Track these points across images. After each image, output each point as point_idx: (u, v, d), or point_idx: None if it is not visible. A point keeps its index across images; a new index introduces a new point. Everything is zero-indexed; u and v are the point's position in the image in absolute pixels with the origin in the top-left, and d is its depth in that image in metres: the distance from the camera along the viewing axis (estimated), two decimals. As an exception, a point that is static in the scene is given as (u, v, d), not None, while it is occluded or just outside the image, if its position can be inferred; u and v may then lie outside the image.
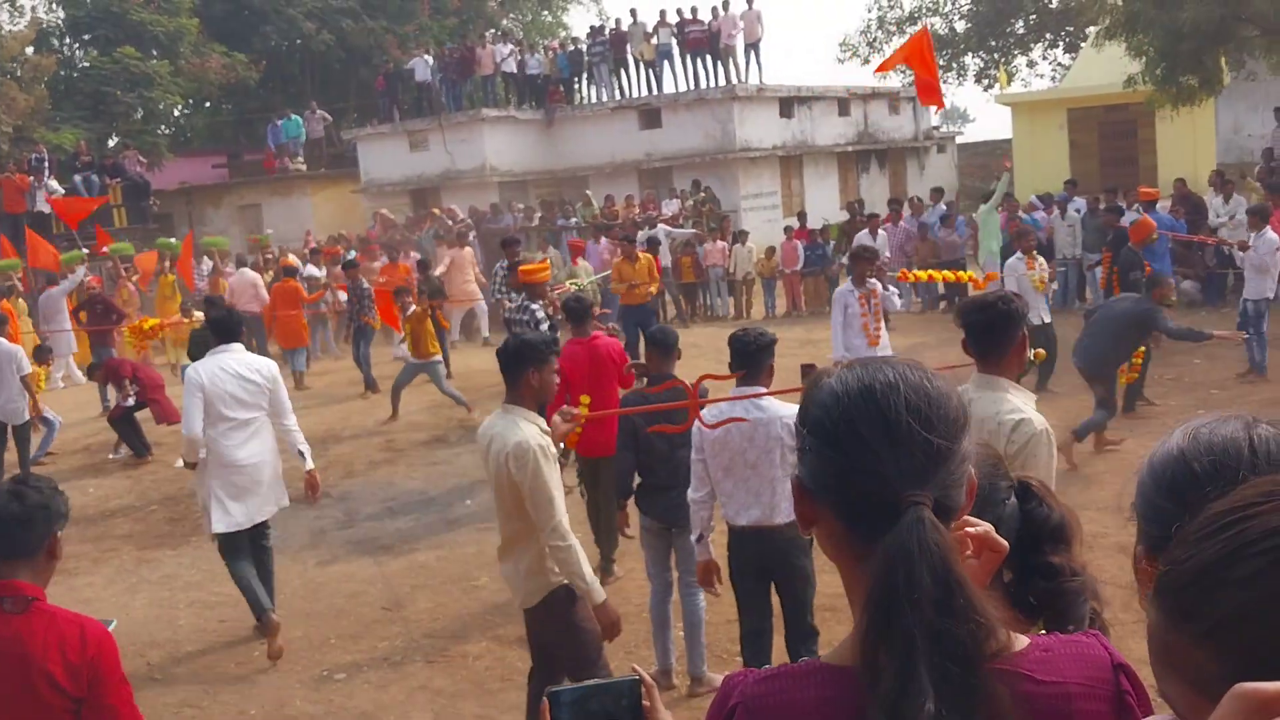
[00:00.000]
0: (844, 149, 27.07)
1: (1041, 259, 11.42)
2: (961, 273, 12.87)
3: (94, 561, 8.54)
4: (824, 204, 25.28)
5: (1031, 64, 39.65)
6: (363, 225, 24.41)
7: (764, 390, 4.87)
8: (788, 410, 4.66)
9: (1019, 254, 11.28)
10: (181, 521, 9.47)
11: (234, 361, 6.48)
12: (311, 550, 8.45)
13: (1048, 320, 11.06)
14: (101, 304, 15.62)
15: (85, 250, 19.46)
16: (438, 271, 17.03)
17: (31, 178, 23.69)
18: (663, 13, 25.33)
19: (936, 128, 32.46)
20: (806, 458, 1.39)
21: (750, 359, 4.84)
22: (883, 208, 21.69)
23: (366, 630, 6.75)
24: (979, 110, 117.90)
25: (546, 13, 41.06)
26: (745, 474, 4.76)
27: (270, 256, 20.12)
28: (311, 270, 18.57)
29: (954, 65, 39.43)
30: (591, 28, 27.53)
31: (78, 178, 25.11)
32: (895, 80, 34.17)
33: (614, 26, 26.27)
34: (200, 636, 6.91)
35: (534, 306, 8.96)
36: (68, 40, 31.49)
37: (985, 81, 38.96)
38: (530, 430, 4.32)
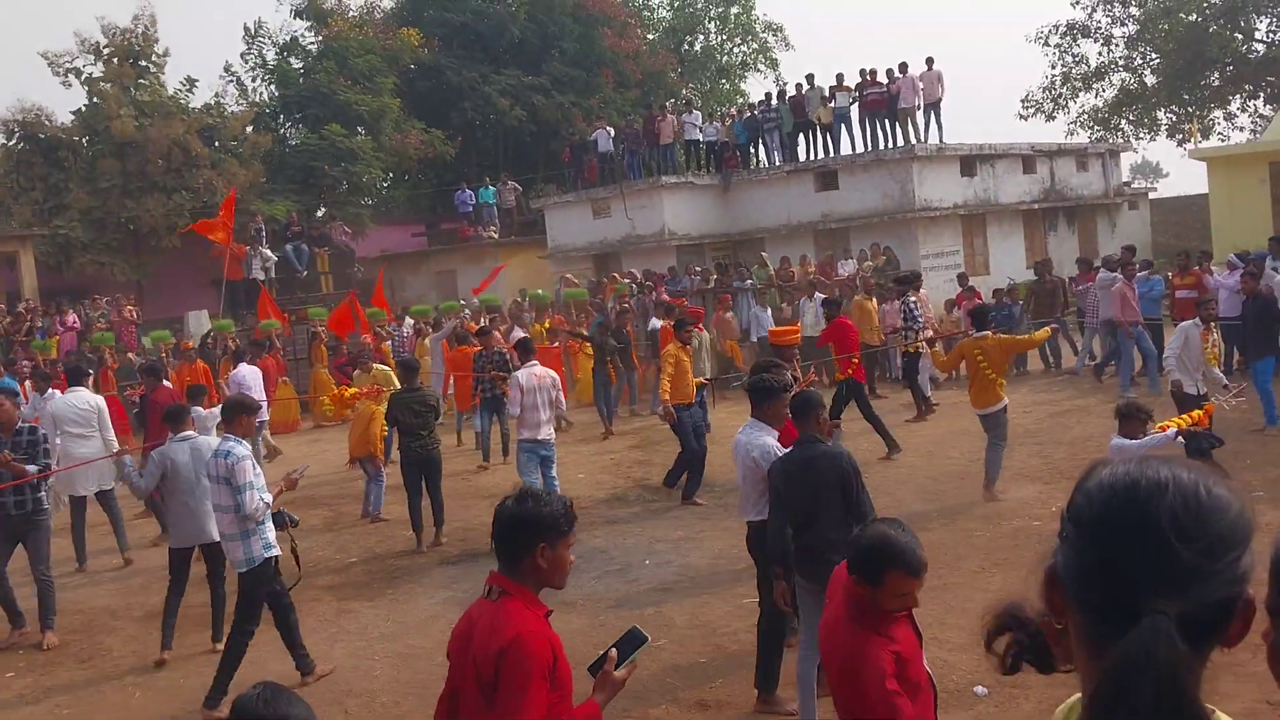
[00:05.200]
0: (1029, 206, 26.48)
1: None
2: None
3: (300, 613, 9.12)
4: (1009, 263, 24.78)
5: (1230, 117, 38.02)
6: (549, 288, 25.30)
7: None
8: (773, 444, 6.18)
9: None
10: (378, 575, 10.05)
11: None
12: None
13: None
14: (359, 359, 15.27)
15: (461, 303, 21.59)
16: None
17: (248, 247, 25.57)
18: (840, 76, 25.49)
19: (1128, 184, 31.41)
20: (1064, 546, 1.35)
21: (759, 397, 6.29)
22: (1072, 267, 21.09)
23: (550, 685, 7.00)
24: (1172, 165, 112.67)
25: (725, 81, 41.79)
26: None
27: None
28: None
29: (1144, 120, 38.13)
30: (766, 94, 27.97)
31: (289, 246, 26.96)
32: (1083, 136, 33.22)
33: (793, 92, 26.55)
34: (395, 687, 7.31)
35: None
36: (280, 119, 33.83)
37: (1178, 136, 37.54)
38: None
